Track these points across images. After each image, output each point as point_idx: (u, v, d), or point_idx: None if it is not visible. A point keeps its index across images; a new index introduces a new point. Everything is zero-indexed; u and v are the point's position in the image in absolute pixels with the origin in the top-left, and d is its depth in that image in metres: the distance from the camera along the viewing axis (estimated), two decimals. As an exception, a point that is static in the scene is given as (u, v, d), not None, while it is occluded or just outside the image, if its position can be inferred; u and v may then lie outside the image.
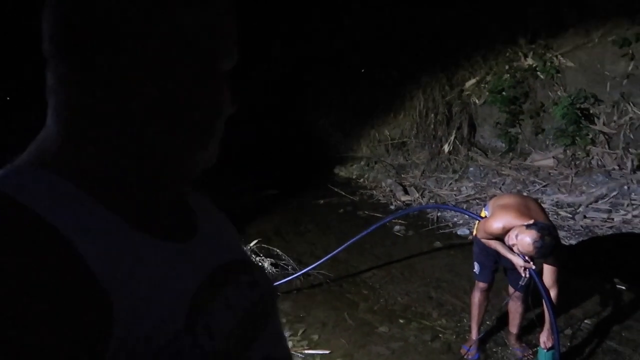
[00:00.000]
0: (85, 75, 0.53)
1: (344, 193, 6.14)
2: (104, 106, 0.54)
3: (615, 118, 5.89)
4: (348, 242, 3.96)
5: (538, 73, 6.33)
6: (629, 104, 5.83)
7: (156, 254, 0.54)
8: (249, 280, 0.64)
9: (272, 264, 4.00)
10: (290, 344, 3.15)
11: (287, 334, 3.25)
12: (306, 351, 3.09)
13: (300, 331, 3.31)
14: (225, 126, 0.61)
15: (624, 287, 3.79)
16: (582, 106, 5.99)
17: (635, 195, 5.15)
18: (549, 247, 2.53)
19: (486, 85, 6.65)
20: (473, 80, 6.77)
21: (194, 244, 0.60)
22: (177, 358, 0.50)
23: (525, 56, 6.44)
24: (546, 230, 2.55)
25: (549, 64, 6.28)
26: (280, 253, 4.17)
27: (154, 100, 0.54)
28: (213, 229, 0.66)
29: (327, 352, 3.09)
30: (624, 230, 4.66)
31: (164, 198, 0.60)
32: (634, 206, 4.99)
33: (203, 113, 0.57)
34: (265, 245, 4.21)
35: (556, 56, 6.28)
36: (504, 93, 6.39)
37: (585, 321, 3.39)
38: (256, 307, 0.63)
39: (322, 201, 5.91)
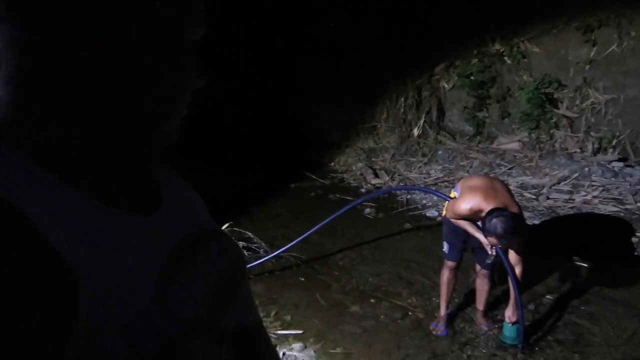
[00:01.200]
0: (38, 40, 0.49)
1: (315, 177, 6.16)
2: (59, 74, 0.50)
3: (577, 102, 6.09)
4: (319, 225, 4.00)
5: (505, 58, 6.46)
6: (591, 88, 6.02)
7: (120, 226, 0.53)
8: (218, 249, 0.64)
9: (244, 247, 4.00)
10: (263, 325, 3.18)
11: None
12: (279, 332, 3.12)
13: (273, 312, 3.34)
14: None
15: (583, 264, 3.96)
16: (546, 91, 6.15)
17: (595, 177, 5.36)
18: (508, 232, 2.60)
19: (455, 70, 6.74)
20: (442, 65, 6.85)
21: (159, 215, 0.59)
22: (149, 330, 0.50)
23: (493, 41, 6.55)
24: (504, 217, 2.62)
25: (516, 49, 6.41)
26: (252, 236, 4.17)
27: (113, 69, 0.51)
28: (179, 200, 0.65)
29: (300, 332, 3.13)
30: (584, 211, 4.85)
31: (125, 171, 0.59)
32: (594, 187, 5.19)
33: (166, 85, 0.55)
34: (236, 229, 4.20)
35: (522, 41, 6.41)
36: (472, 77, 6.50)
37: (547, 296, 3.53)
38: (227, 274, 0.63)
39: (293, 185, 5.92)
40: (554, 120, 6.11)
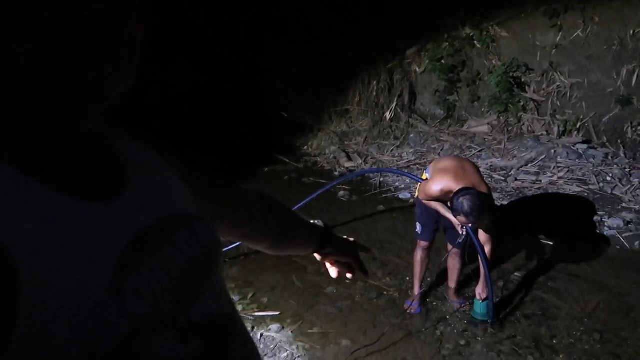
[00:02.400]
0: None
1: (288, 160, 6.16)
2: None
3: (544, 86, 6.24)
4: (294, 208, 4.01)
5: (475, 42, 6.54)
6: (557, 72, 6.18)
7: (71, 215, 0.49)
8: (187, 236, 0.61)
9: (218, 231, 3.98)
10: (240, 307, 3.20)
11: (236, 298, 3.29)
12: (256, 314, 3.15)
13: (250, 295, 3.36)
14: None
15: (549, 243, 4.11)
16: (514, 75, 6.28)
17: (560, 158, 5.53)
18: (475, 211, 2.66)
19: (426, 54, 6.80)
20: (414, 48, 6.90)
21: (120, 202, 0.56)
22: (101, 327, 0.47)
23: (463, 25, 6.63)
24: (471, 197, 2.69)
25: (485, 33, 6.50)
26: (226, 220, 4.16)
27: (25, 19, 0.44)
28: (148, 183, 0.61)
29: (277, 313, 3.16)
30: (550, 191, 5.01)
31: (82, 153, 0.54)
32: (559, 169, 5.36)
33: (98, 34, 0.48)
34: (211, 213, 4.17)
35: (492, 26, 6.50)
36: (443, 61, 6.57)
37: (516, 274, 3.66)
38: (195, 264, 0.60)
39: (266, 169, 5.91)
40: (521, 103, 6.26)
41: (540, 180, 5.21)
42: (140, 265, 0.53)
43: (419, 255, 3.21)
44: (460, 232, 2.96)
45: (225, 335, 0.63)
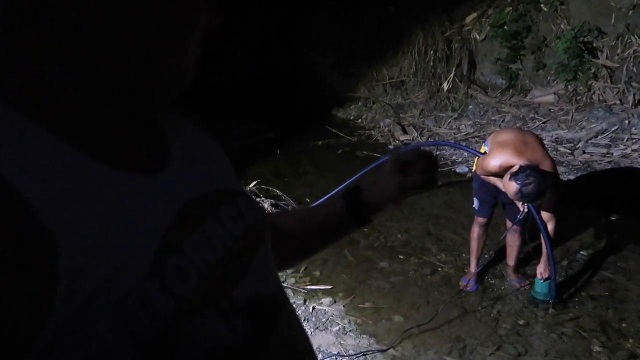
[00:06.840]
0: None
1: (342, 134, 6.09)
2: (37, 4, 0.44)
3: (619, 51, 5.75)
4: (347, 182, 3.97)
5: (541, 5, 6.12)
6: (634, 36, 5.67)
7: (114, 187, 0.47)
8: (232, 213, 0.58)
9: (272, 205, 4.03)
10: (292, 280, 3.23)
11: (289, 271, 3.32)
12: (309, 287, 3.17)
13: (302, 268, 3.37)
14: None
15: (620, 220, 3.84)
16: (585, 39, 5.83)
17: (635, 129, 5.12)
18: (532, 194, 2.52)
19: (487, 20, 6.45)
20: (474, 15, 6.55)
21: (164, 175, 0.53)
22: (143, 307, 0.45)
23: (529, -13, 6.21)
24: (530, 177, 2.52)
25: (553, -5, 6.06)
26: (279, 194, 4.19)
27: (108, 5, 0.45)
28: (192, 157, 0.59)
29: (329, 287, 3.17)
30: (622, 165, 4.67)
31: (127, 124, 0.52)
32: (634, 140, 4.97)
33: (172, 21, 0.49)
34: (264, 187, 4.22)
35: (560, -13, 6.05)
36: (505, 27, 6.21)
37: (581, 252, 3.46)
38: (240, 242, 0.57)
39: (320, 142, 5.87)
40: (592, 70, 5.82)
41: (612, 153, 4.86)
42: (185, 242, 0.50)
43: (475, 231, 3.09)
44: (521, 209, 2.81)
45: (271, 318, 0.60)
